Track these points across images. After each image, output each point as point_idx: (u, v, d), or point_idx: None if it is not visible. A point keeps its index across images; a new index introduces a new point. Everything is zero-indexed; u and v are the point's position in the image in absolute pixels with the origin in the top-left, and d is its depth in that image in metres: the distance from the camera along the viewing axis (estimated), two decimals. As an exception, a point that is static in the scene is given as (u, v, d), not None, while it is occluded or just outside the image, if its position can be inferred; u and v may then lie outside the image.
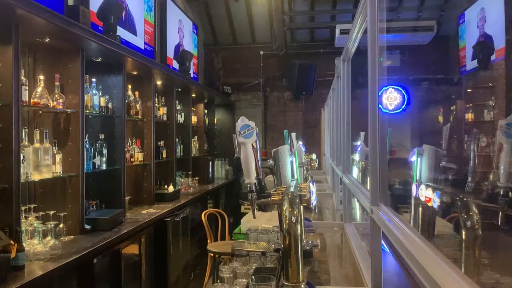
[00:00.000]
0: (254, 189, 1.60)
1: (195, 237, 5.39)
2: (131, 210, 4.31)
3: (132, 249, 3.66)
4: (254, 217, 1.66)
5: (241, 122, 1.60)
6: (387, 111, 7.97)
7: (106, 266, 3.19)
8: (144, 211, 4.25)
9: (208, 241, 4.53)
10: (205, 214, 4.68)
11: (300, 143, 5.30)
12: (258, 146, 1.91)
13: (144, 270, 3.89)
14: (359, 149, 4.87)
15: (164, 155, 5.20)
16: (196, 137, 6.76)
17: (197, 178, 6.20)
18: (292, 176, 2.28)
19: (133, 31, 4.89)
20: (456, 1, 7.64)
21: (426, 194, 1.59)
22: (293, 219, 1.43)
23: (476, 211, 1.44)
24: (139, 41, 5.03)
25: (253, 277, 1.36)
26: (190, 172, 5.99)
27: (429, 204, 1.57)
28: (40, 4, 2.61)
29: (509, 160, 1.59)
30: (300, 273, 1.42)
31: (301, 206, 2.03)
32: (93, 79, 3.66)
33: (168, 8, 5.99)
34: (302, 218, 2.15)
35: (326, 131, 6.72)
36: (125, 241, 3.44)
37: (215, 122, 8.01)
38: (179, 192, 5.27)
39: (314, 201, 1.61)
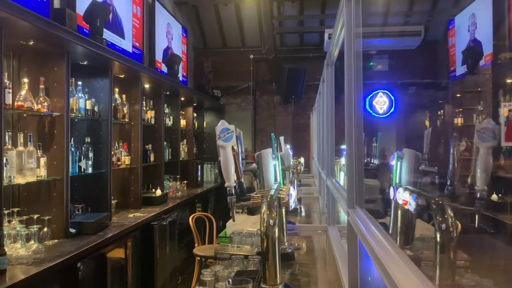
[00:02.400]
0: (233, 192, 1.61)
1: (183, 241, 5.38)
2: (118, 214, 4.29)
3: (118, 253, 3.65)
4: (234, 220, 1.67)
5: (220, 125, 1.61)
6: (376, 115, 8.04)
7: (91, 270, 3.17)
8: (131, 215, 4.23)
9: (196, 244, 4.52)
10: (192, 218, 4.67)
11: (288, 146, 5.32)
12: (240, 150, 1.92)
13: (131, 274, 3.87)
14: (345, 152, 4.89)
15: (152, 159, 5.19)
16: (185, 140, 6.75)
17: (185, 181, 6.18)
18: (275, 179, 2.30)
19: (120, 34, 4.89)
20: (443, 7, 7.73)
21: (403, 197, 1.61)
22: (271, 221, 1.44)
23: (451, 214, 1.46)
24: (127, 44, 5.03)
25: (229, 280, 1.37)
26: (178, 176, 5.98)
27: (406, 207, 1.59)
28: (24, 7, 2.60)
29: (485, 164, 1.62)
30: (278, 275, 1.43)
31: (283, 209, 2.05)
32: (79, 82, 3.64)
33: (156, 12, 5.99)
34: (284, 221, 2.17)
35: (314, 135, 6.75)
36: (110, 245, 3.43)
37: (205, 125, 8.01)
38: (166, 195, 5.26)
39: (292, 204, 1.62)
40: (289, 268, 1.93)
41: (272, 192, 1.66)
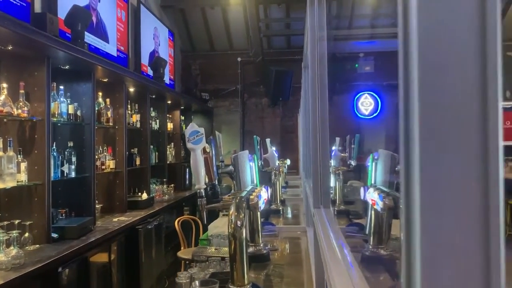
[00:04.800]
0: (203, 194, 1.62)
1: (170, 244, 5.37)
2: (103, 218, 4.28)
3: (101, 258, 3.64)
4: (205, 222, 1.68)
5: (190, 128, 1.63)
6: (362, 116, 8.10)
7: (73, 275, 3.15)
8: (115, 219, 4.22)
9: (182, 248, 4.52)
10: (178, 221, 4.66)
11: (274, 149, 5.34)
12: (213, 152, 1.94)
13: (116, 278, 3.86)
14: (332, 153, 4.92)
15: (138, 162, 5.18)
16: (172, 144, 6.75)
17: (172, 185, 6.18)
18: (252, 181, 2.32)
19: (105, 38, 4.89)
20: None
21: (372, 197, 1.63)
22: (239, 223, 1.45)
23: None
24: (111, 48, 5.03)
25: (196, 281, 1.38)
26: (165, 179, 5.98)
27: (374, 206, 1.61)
28: (3, 12, 2.60)
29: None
30: (245, 276, 1.45)
31: (258, 211, 2.06)
32: (61, 87, 3.64)
33: (142, 16, 6.00)
34: (259, 222, 2.18)
35: (300, 136, 6.78)
36: (93, 249, 3.42)
37: (193, 128, 8.00)
38: (153, 199, 5.25)
39: (262, 205, 1.64)
40: (264, 269, 1.94)
41: (243, 193, 1.68)
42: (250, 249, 2.06)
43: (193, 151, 1.63)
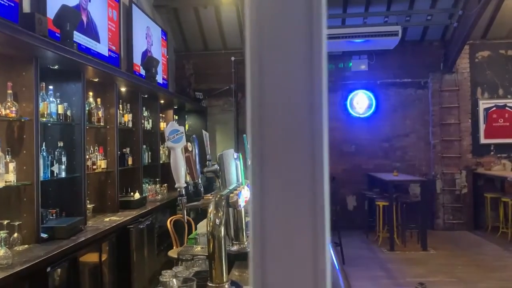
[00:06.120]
0: (183, 192, 1.63)
1: (163, 244, 5.37)
2: (94, 218, 4.28)
3: (92, 258, 3.64)
4: (185, 221, 1.69)
5: (169, 127, 1.63)
6: (357, 115, 8.13)
7: (63, 275, 3.15)
8: (107, 219, 4.22)
9: (174, 247, 4.52)
10: (170, 221, 4.66)
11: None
12: (196, 151, 1.94)
13: (108, 278, 3.86)
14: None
15: (130, 162, 5.18)
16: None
17: (166, 184, 6.18)
18: (237, 180, 2.32)
19: (96, 38, 4.88)
20: (421, 7, 7.84)
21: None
22: (217, 221, 1.46)
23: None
24: (102, 48, 5.02)
25: (174, 280, 1.39)
26: (158, 179, 5.97)
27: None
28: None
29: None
30: (224, 274, 1.46)
31: (242, 210, 2.07)
32: (50, 87, 3.64)
33: (134, 15, 5.99)
34: (244, 221, 2.19)
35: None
36: (83, 249, 3.42)
37: (187, 128, 8.00)
38: (145, 199, 5.25)
39: (241, 204, 1.64)
40: (247, 267, 1.95)
41: (224, 192, 1.68)
42: (234, 247, 2.07)
43: (172, 149, 1.63)
